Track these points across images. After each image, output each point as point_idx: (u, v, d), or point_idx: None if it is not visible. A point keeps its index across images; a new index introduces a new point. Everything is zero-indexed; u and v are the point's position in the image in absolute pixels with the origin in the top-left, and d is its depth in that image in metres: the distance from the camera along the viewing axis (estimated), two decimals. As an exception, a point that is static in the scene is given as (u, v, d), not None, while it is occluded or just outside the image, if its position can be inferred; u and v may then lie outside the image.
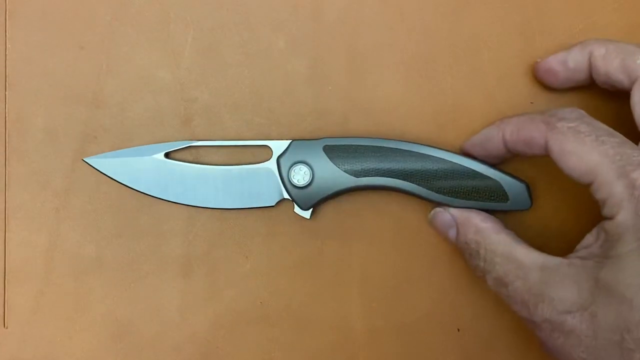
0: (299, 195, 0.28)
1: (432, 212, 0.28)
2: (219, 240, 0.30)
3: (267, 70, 0.30)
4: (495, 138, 0.27)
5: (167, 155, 0.29)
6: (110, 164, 0.29)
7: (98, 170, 0.29)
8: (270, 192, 0.29)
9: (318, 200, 0.28)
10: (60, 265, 0.29)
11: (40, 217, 0.29)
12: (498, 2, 0.30)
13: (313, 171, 0.28)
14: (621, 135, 0.24)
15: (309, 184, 0.28)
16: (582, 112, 0.25)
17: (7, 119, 0.30)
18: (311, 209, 0.28)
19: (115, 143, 0.29)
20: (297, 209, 0.28)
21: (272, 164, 0.29)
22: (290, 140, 0.28)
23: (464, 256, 0.27)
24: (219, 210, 0.29)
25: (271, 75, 0.30)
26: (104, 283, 0.29)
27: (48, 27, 0.30)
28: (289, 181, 0.28)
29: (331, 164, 0.28)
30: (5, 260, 0.29)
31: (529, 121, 0.26)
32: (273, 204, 0.29)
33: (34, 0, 0.30)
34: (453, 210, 0.28)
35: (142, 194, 0.29)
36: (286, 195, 0.28)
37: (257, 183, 0.29)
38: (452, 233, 0.28)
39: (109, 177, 0.29)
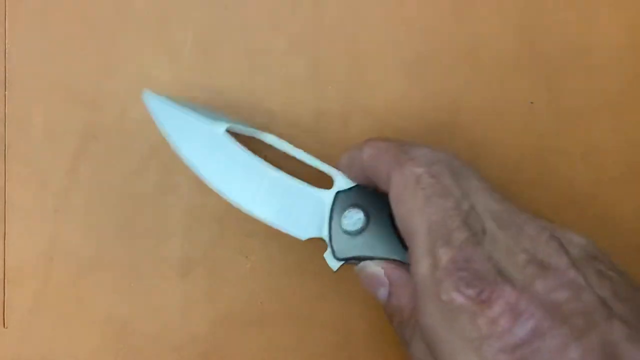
0: (338, 241, 0.24)
1: (360, 264, 0.24)
2: (219, 240, 0.30)
3: (267, 70, 0.30)
4: (356, 159, 0.24)
5: (228, 131, 0.26)
6: (166, 108, 0.25)
7: (149, 109, 0.25)
8: (308, 223, 0.25)
9: (356, 257, 0.24)
10: (60, 265, 0.29)
11: (40, 217, 0.29)
12: (498, 2, 0.30)
13: (369, 222, 0.24)
14: (458, 197, 0.21)
15: (358, 233, 0.24)
16: (440, 156, 0.22)
17: (7, 119, 0.30)
18: (342, 263, 0.25)
19: (115, 143, 0.29)
20: (327, 254, 0.25)
21: (328, 196, 0.25)
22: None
23: (391, 322, 0.24)
24: (219, 210, 0.29)
25: (271, 75, 0.30)
26: (104, 283, 0.29)
27: (48, 27, 0.30)
28: (338, 221, 0.25)
29: (390, 226, 0.24)
30: (4, 260, 0.29)
31: (385, 152, 0.23)
32: (303, 239, 0.25)
33: (34, 0, 0.30)
34: (386, 266, 0.24)
35: (142, 194, 0.29)
36: (324, 235, 0.25)
37: (301, 207, 0.25)
38: (382, 293, 0.24)
39: (155, 121, 0.25)
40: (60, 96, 0.30)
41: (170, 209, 0.29)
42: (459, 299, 0.19)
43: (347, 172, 0.25)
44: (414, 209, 0.21)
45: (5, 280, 0.29)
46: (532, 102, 0.30)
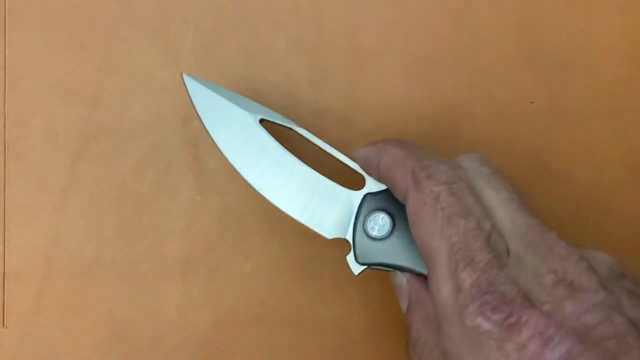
0: (362, 244, 0.24)
1: (392, 273, 0.24)
2: (219, 240, 0.29)
3: (267, 70, 0.30)
4: (372, 162, 0.24)
5: (261, 121, 0.25)
6: (202, 92, 0.25)
7: (187, 92, 0.26)
8: (335, 223, 0.24)
9: (377, 263, 0.24)
10: (60, 265, 0.29)
11: (39, 217, 0.29)
12: (498, 2, 0.30)
13: (394, 229, 0.23)
14: (479, 217, 0.20)
15: (383, 239, 0.23)
16: (460, 175, 0.21)
17: (6, 119, 0.30)
18: (364, 267, 0.24)
19: (115, 143, 0.29)
20: (350, 257, 0.24)
21: (356, 197, 0.24)
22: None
23: (405, 336, 0.23)
24: (219, 210, 0.29)
25: (271, 75, 0.30)
26: (104, 283, 0.29)
27: (48, 27, 0.30)
28: (363, 224, 0.24)
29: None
30: (4, 260, 0.29)
31: (402, 163, 0.22)
32: (328, 238, 0.25)
33: (34, 0, 0.30)
34: (410, 279, 0.23)
35: (142, 194, 0.29)
36: (349, 237, 0.24)
37: (329, 206, 0.24)
38: (403, 304, 0.24)
39: (192, 104, 0.25)
40: (60, 96, 0.30)
41: (170, 208, 0.29)
42: (484, 324, 0.18)
43: (362, 166, 0.25)
44: (433, 229, 0.20)
45: (5, 280, 0.29)
46: (532, 102, 0.30)
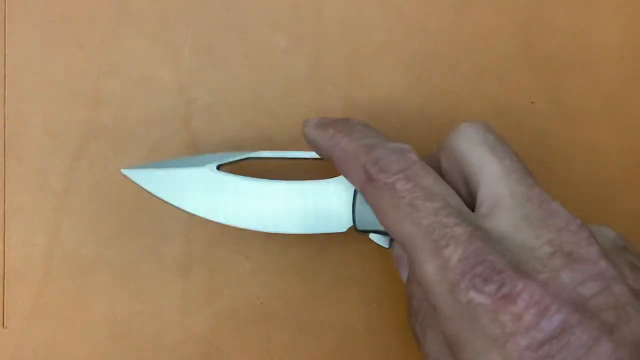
0: (361, 212, 0.23)
1: (392, 244, 0.24)
2: (219, 240, 0.29)
3: (267, 70, 0.30)
4: (323, 152, 0.23)
5: (219, 168, 0.25)
6: (152, 176, 0.25)
7: (138, 185, 0.26)
8: (341, 214, 0.24)
9: (380, 231, 0.23)
10: (60, 265, 0.29)
11: (39, 217, 0.29)
12: (498, 2, 0.30)
13: None
14: (444, 195, 0.20)
15: None
16: (412, 158, 0.21)
17: (6, 119, 0.30)
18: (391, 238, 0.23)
19: (115, 143, 0.29)
20: (372, 235, 0.24)
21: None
22: None
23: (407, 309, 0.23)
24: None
25: (271, 75, 0.30)
26: (104, 283, 0.29)
27: (48, 27, 0.30)
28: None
29: None
30: (4, 260, 0.29)
31: (353, 159, 0.21)
32: (344, 229, 0.24)
33: (33, 0, 0.30)
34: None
35: (142, 194, 0.29)
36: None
37: (325, 201, 0.24)
38: (403, 275, 0.23)
39: (149, 192, 0.25)
40: (60, 96, 0.30)
41: (170, 209, 0.29)
42: (478, 298, 0.18)
43: (312, 147, 0.24)
44: (398, 218, 0.19)
45: (5, 280, 0.29)
46: (532, 102, 0.30)
